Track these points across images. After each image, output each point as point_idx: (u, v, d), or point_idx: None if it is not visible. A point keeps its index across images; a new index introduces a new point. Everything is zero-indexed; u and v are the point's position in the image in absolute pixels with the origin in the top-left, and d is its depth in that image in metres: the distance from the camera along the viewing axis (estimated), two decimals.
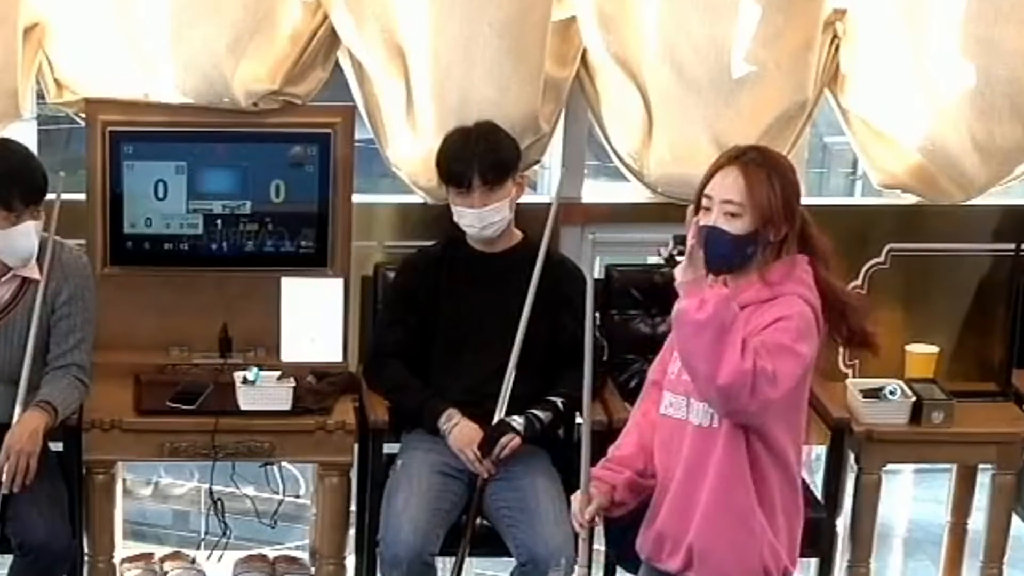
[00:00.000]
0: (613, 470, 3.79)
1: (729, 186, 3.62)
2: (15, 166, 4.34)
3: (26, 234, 4.33)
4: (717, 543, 3.67)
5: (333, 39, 4.85)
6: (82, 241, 4.71)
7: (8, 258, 4.38)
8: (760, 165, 3.64)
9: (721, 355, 3.48)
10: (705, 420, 3.65)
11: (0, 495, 4.25)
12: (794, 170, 3.71)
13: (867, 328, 3.72)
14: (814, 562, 4.82)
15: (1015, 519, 5.01)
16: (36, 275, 4.40)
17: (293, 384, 4.61)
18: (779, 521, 3.69)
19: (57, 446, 4.53)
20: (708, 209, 3.64)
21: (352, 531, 4.79)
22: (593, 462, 3.79)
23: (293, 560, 5.06)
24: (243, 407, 4.59)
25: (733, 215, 3.61)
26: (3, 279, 4.42)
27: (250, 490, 4.99)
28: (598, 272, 5.13)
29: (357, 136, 4.91)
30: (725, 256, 3.61)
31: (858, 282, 5.19)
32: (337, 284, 4.87)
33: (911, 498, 7.17)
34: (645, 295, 4.93)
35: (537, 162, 5.05)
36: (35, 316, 4.37)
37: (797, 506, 3.76)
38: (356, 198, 4.92)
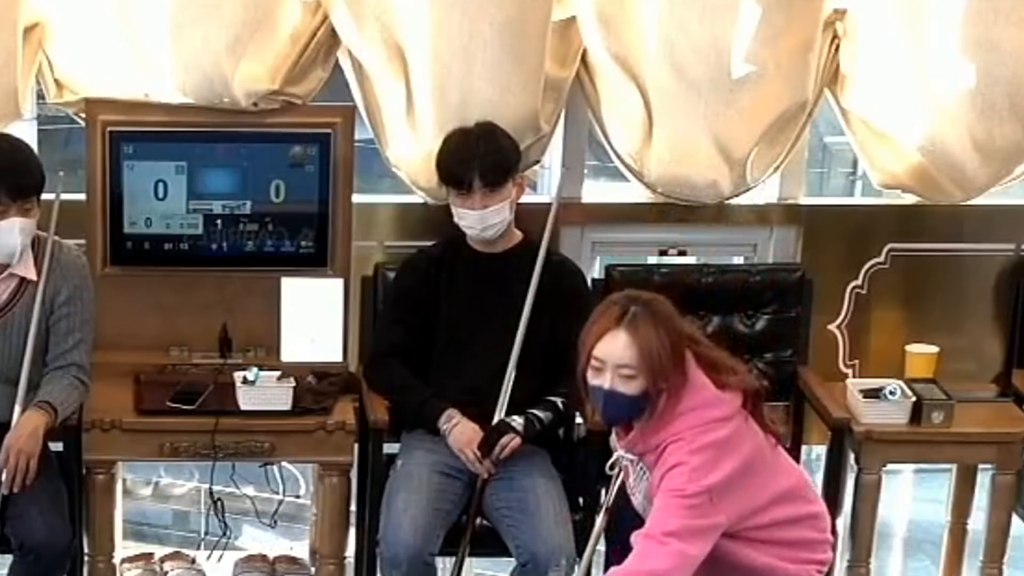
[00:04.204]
0: None
1: (622, 352, 3.69)
2: (5, 161, 4.32)
3: (9, 231, 4.30)
4: None
5: (333, 39, 4.85)
6: (82, 241, 4.71)
7: None
8: (647, 321, 3.69)
9: None
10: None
11: (0, 495, 4.25)
12: (672, 309, 3.75)
13: None
14: None
15: (1015, 519, 5.01)
16: (32, 275, 4.39)
17: (293, 384, 4.61)
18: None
19: (57, 446, 4.53)
20: (600, 370, 3.72)
21: (352, 531, 4.80)
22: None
23: (293, 560, 5.05)
24: (243, 407, 4.59)
25: (629, 377, 3.69)
26: (0, 276, 4.42)
27: (250, 490, 4.99)
28: (598, 272, 5.13)
29: (357, 136, 4.91)
30: (624, 415, 3.76)
31: (858, 282, 5.20)
32: (337, 284, 4.87)
33: (911, 498, 7.16)
34: None
35: (537, 162, 5.05)
36: (34, 316, 4.36)
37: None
38: (356, 198, 4.92)
